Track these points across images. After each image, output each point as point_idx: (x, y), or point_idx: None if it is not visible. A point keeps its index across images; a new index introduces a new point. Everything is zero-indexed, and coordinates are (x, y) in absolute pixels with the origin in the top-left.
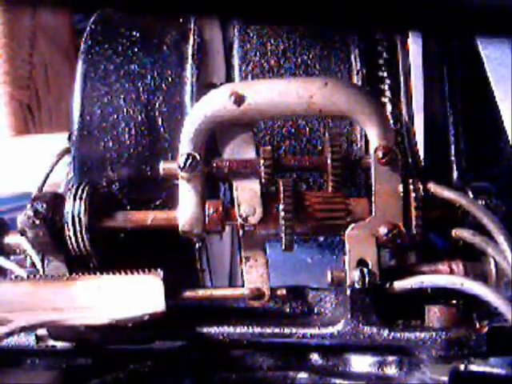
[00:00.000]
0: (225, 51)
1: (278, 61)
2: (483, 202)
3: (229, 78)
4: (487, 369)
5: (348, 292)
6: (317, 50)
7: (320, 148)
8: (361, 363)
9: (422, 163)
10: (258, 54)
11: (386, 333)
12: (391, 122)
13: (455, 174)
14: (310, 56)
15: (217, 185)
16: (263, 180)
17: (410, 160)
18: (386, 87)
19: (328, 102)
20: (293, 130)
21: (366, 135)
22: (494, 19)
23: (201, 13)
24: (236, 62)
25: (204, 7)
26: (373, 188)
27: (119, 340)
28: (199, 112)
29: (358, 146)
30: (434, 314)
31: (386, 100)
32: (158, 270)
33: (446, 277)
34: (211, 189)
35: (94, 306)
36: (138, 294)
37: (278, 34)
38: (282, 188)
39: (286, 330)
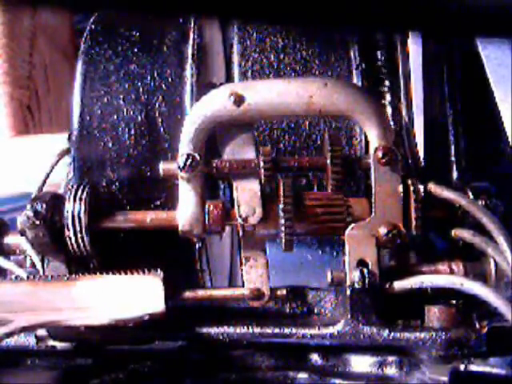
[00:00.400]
0: (224, 51)
1: (278, 56)
2: (483, 202)
3: (228, 74)
4: (487, 369)
5: (348, 292)
6: (316, 45)
7: (320, 142)
8: (361, 363)
9: (422, 163)
10: (257, 49)
11: (386, 333)
12: (391, 122)
13: (455, 174)
14: (310, 51)
15: (217, 185)
16: (263, 180)
17: (409, 160)
18: (386, 85)
19: (328, 103)
20: (292, 125)
21: (365, 135)
22: (494, 19)
23: (201, 13)
24: (235, 57)
25: (204, 7)
26: (373, 188)
27: (119, 340)
28: (199, 112)
29: (358, 139)
30: (434, 314)
31: (385, 93)
32: (158, 270)
33: (445, 277)
34: (211, 189)
35: (94, 306)
36: (137, 294)
37: (277, 29)
38: (281, 188)
39: (286, 330)
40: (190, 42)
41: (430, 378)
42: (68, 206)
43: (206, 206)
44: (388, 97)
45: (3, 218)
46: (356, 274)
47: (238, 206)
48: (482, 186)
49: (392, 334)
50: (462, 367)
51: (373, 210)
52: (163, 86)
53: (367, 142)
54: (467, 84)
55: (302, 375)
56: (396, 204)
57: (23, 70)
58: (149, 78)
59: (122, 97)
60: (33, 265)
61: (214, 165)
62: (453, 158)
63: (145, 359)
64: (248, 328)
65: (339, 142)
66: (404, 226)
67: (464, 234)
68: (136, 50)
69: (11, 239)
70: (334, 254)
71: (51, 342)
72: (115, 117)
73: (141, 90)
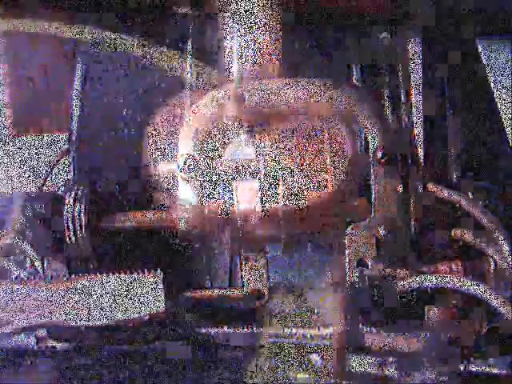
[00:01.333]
0: (224, 50)
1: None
2: (483, 202)
3: (228, 74)
4: (487, 369)
5: (348, 292)
6: (315, 40)
7: (320, 137)
8: (361, 363)
9: (422, 163)
10: (257, 44)
11: (386, 333)
12: (391, 122)
13: (455, 174)
14: (308, 45)
15: (217, 185)
16: (263, 180)
17: (409, 160)
18: (386, 84)
19: (327, 103)
20: None
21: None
22: (493, 19)
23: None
24: (235, 51)
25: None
26: (373, 188)
27: (119, 340)
28: (199, 112)
29: (358, 139)
30: (434, 314)
31: (385, 93)
32: (158, 270)
33: (445, 277)
34: (211, 189)
35: (94, 306)
36: (137, 294)
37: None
38: (281, 188)
39: (286, 330)
40: (190, 41)
41: (430, 378)
42: (68, 207)
43: (206, 206)
44: (388, 97)
45: (3, 218)
46: (356, 274)
47: (238, 206)
48: (482, 185)
49: (392, 334)
50: (461, 367)
51: (373, 210)
52: (163, 85)
53: (367, 142)
54: (467, 84)
55: (302, 375)
56: (396, 204)
57: (23, 71)
58: (149, 77)
59: (121, 97)
60: (33, 265)
61: (214, 165)
62: (453, 158)
63: (145, 359)
64: (248, 328)
65: (339, 142)
66: (404, 226)
67: (464, 234)
68: (136, 50)
69: (11, 240)
70: (334, 253)
71: (51, 343)
72: (115, 117)
73: (141, 89)
